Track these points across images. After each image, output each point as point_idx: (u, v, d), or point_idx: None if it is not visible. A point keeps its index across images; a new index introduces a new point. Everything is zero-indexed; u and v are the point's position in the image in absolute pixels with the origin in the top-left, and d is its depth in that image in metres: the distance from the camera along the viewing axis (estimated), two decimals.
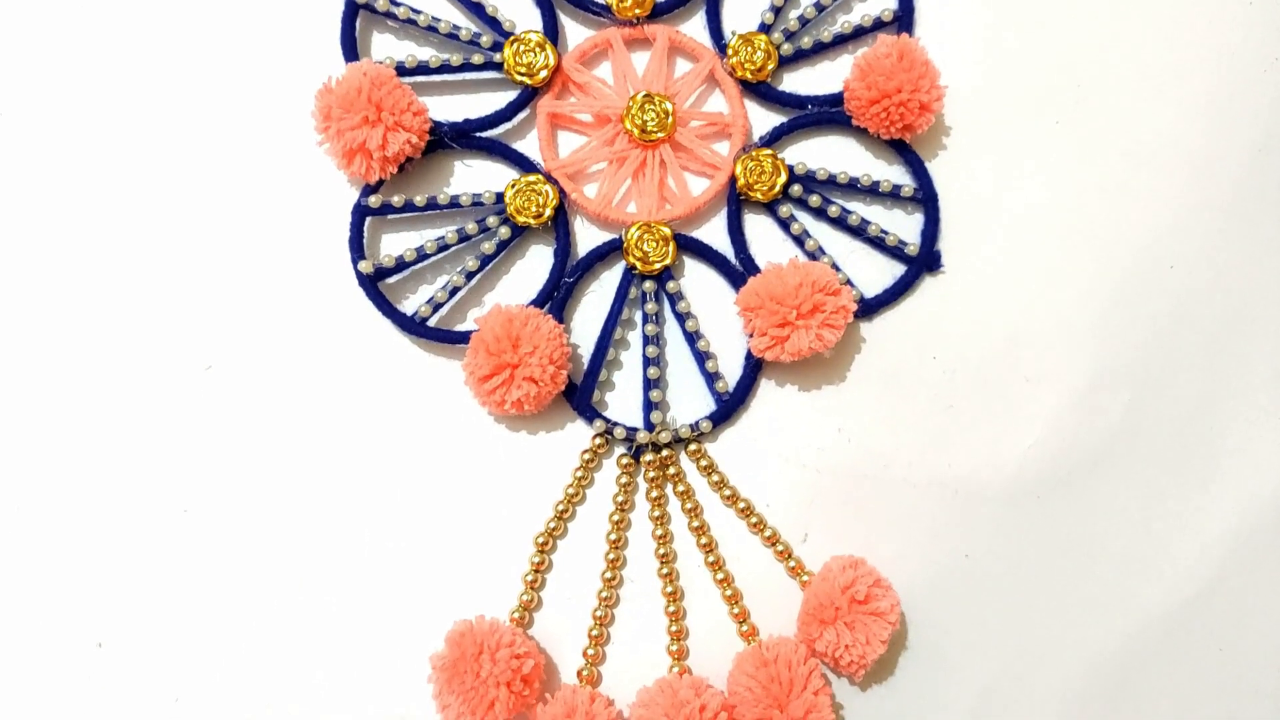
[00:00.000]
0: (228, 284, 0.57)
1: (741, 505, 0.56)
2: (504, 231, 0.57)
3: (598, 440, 0.56)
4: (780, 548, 0.56)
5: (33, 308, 0.56)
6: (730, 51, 0.59)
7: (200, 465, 0.55)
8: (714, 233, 0.59)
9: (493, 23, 0.59)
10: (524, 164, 0.58)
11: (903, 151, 0.59)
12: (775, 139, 0.59)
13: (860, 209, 0.60)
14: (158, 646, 0.53)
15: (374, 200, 0.56)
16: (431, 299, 0.56)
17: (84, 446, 0.54)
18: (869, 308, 0.58)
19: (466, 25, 0.59)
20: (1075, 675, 0.56)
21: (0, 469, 0.54)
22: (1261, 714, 0.55)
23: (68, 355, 0.55)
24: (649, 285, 0.57)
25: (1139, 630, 0.56)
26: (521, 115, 0.59)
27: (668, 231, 0.58)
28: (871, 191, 0.59)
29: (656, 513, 0.56)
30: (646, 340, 0.57)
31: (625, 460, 0.56)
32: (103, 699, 0.52)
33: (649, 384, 0.57)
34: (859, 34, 0.61)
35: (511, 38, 0.58)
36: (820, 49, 0.60)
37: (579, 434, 0.57)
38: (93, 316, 0.56)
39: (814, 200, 0.58)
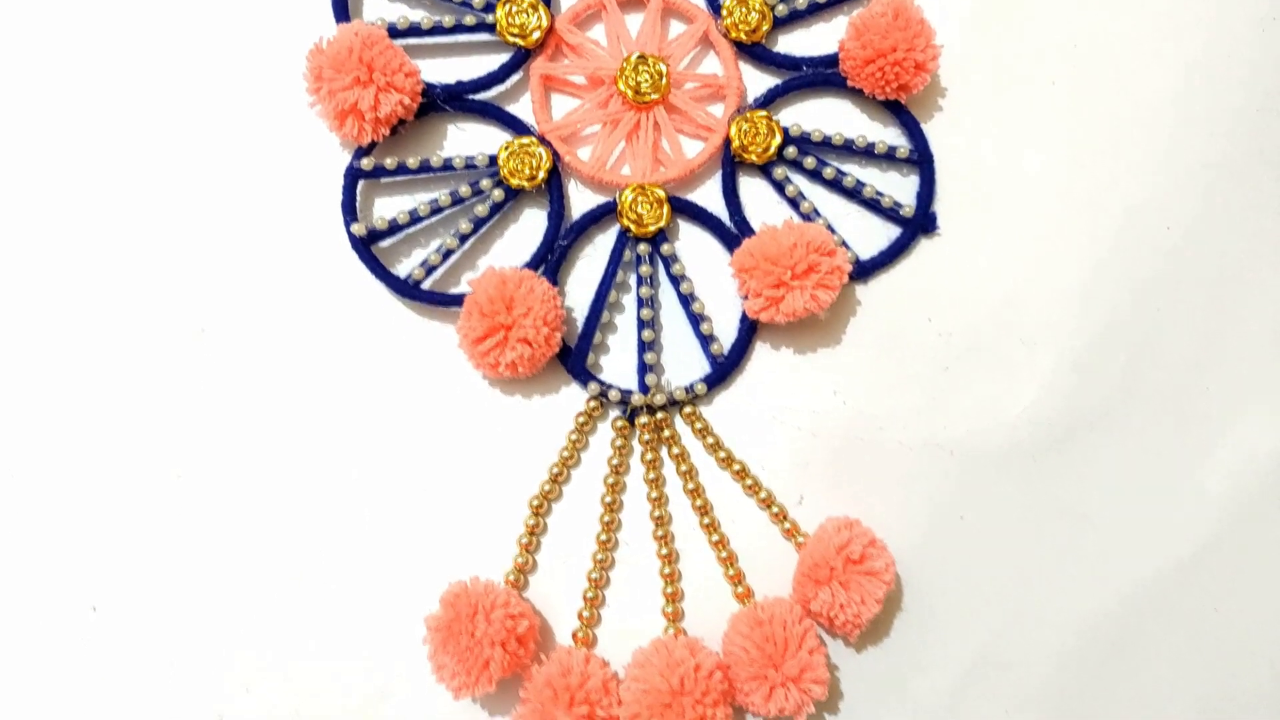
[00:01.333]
0: (220, 248, 0.56)
1: (737, 468, 0.56)
2: (497, 194, 0.57)
3: (592, 403, 0.56)
4: (775, 510, 0.56)
5: (25, 272, 0.56)
6: (724, 12, 0.59)
7: (193, 429, 0.54)
8: (709, 196, 0.59)
9: None
10: (517, 126, 0.58)
11: (898, 113, 0.59)
12: (770, 101, 0.59)
13: (856, 171, 0.59)
14: (152, 611, 0.53)
15: (366, 163, 0.56)
16: (425, 262, 0.56)
17: (77, 411, 0.54)
18: (864, 270, 0.58)
19: None
20: (1070, 636, 0.55)
21: None
22: (1256, 676, 0.55)
23: (61, 320, 0.55)
24: (643, 248, 0.57)
25: (1134, 592, 0.55)
26: (514, 78, 0.59)
27: (662, 194, 0.57)
28: (867, 153, 0.59)
29: (651, 475, 0.56)
30: (641, 303, 0.57)
31: (620, 423, 0.56)
32: (97, 663, 0.52)
33: (643, 346, 0.56)
34: None
35: None
36: (815, 10, 0.60)
37: (573, 397, 0.56)
38: (86, 281, 0.56)
39: (809, 162, 0.58)
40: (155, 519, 0.54)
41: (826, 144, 0.58)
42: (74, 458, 0.54)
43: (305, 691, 0.53)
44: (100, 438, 0.54)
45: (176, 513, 0.54)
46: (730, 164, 0.58)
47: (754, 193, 0.59)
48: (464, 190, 0.56)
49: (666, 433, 0.56)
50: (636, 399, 0.56)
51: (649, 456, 0.56)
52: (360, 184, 0.57)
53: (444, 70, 0.58)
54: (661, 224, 0.57)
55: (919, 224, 0.58)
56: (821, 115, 0.60)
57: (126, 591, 0.53)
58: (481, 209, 0.56)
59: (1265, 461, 0.57)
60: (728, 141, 0.58)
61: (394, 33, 0.57)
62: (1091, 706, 0.54)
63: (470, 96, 0.58)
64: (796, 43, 0.60)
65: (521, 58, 0.58)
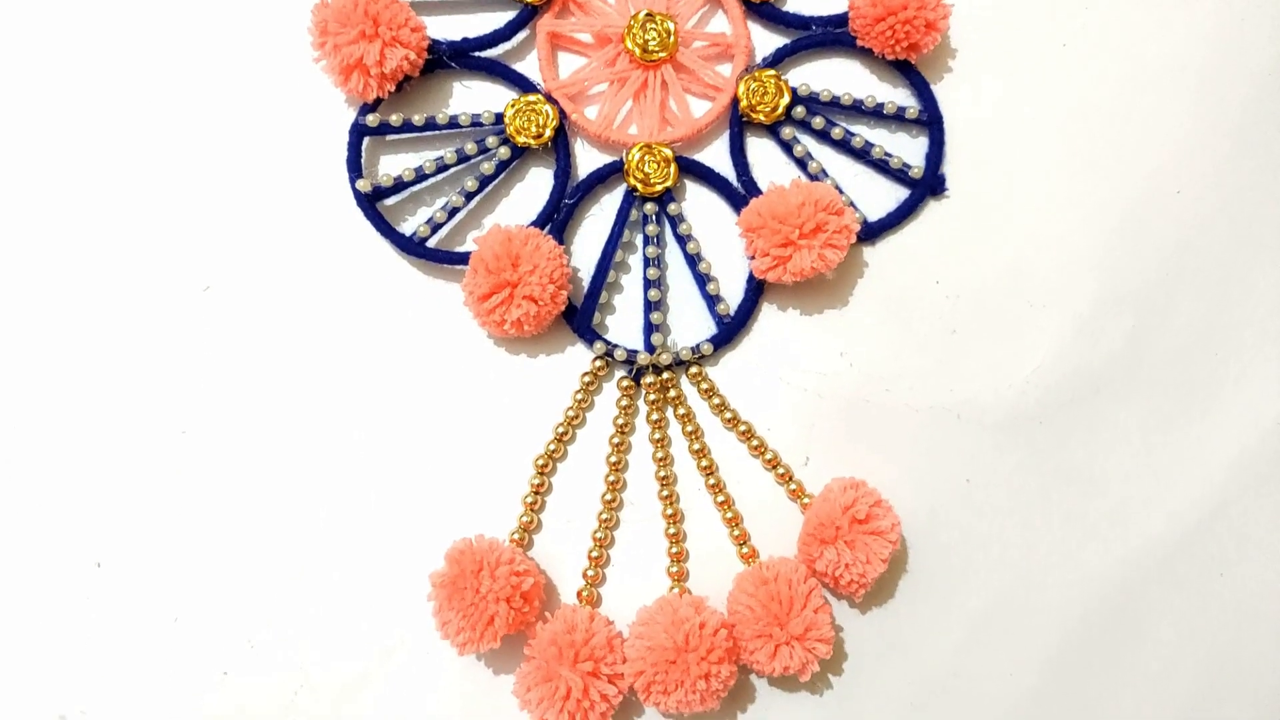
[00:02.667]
0: (226, 204, 0.56)
1: (743, 429, 0.56)
2: (504, 152, 0.56)
3: (598, 362, 0.56)
4: (781, 471, 0.55)
5: (31, 227, 0.55)
6: None
7: (198, 386, 0.54)
8: (716, 156, 0.58)
9: None
10: (524, 84, 0.57)
11: (907, 73, 0.59)
12: (778, 60, 0.58)
13: (864, 132, 0.59)
14: (156, 567, 0.53)
15: (372, 119, 0.56)
16: (430, 219, 0.55)
17: (83, 367, 0.54)
18: (872, 231, 0.58)
19: None
20: (1075, 599, 0.55)
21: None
22: (1261, 638, 0.54)
23: (68, 278, 0.55)
24: (650, 207, 0.57)
25: (1140, 555, 0.55)
26: (521, 35, 0.58)
27: (669, 153, 0.57)
28: (876, 114, 0.58)
29: (657, 435, 0.56)
30: (647, 262, 0.56)
31: (625, 383, 0.56)
32: (102, 619, 0.52)
33: (649, 306, 0.56)
34: None
35: None
36: None
37: (579, 356, 0.56)
38: (92, 237, 0.56)
39: (817, 123, 0.58)
40: (160, 475, 0.54)
41: (835, 104, 0.58)
42: (80, 414, 0.54)
43: (309, 647, 0.52)
44: (107, 394, 0.54)
45: (182, 470, 0.54)
46: (738, 123, 0.58)
47: (762, 154, 0.59)
48: (470, 148, 0.56)
49: (672, 393, 0.56)
50: (642, 358, 0.55)
51: (654, 417, 0.56)
52: (365, 141, 0.57)
53: (450, 27, 0.58)
54: (669, 183, 0.57)
55: (928, 185, 0.58)
56: (830, 75, 0.59)
57: (131, 548, 0.53)
58: (488, 167, 0.56)
59: (1271, 426, 0.56)
60: (735, 101, 0.58)
61: None
62: (1095, 670, 0.54)
63: (476, 54, 0.57)
64: (806, 1, 0.60)
65: (528, 15, 0.58)
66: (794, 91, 0.58)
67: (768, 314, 0.57)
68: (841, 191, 0.58)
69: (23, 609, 0.52)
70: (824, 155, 0.59)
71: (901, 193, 0.58)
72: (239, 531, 0.54)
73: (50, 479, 0.53)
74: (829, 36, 0.59)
